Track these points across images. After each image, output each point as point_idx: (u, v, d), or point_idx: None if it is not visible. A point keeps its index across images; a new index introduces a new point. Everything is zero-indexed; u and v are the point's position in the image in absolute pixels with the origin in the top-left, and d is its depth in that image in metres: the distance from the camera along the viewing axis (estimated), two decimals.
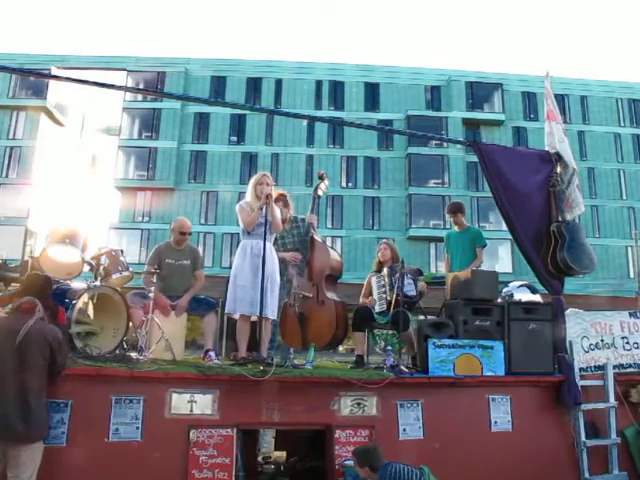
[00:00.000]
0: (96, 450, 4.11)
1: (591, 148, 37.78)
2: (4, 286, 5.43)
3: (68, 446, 4.05)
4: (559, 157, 5.68)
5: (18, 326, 3.76)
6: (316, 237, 5.66)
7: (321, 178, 5.89)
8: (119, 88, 7.36)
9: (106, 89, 5.90)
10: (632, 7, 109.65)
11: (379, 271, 5.93)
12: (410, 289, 5.44)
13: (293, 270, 5.58)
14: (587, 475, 4.89)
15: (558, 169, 5.65)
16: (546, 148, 5.85)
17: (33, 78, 35.61)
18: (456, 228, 6.67)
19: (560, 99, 34.50)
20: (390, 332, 5.56)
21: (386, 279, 5.65)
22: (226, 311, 5.20)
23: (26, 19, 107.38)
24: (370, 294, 5.88)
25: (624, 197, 37.73)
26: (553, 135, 5.80)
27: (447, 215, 6.90)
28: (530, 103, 38.73)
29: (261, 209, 5.05)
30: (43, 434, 3.81)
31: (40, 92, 36.95)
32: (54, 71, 30.69)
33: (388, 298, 5.49)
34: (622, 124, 39.20)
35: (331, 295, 5.50)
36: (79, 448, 4.05)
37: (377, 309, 5.64)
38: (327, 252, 5.66)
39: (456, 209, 6.62)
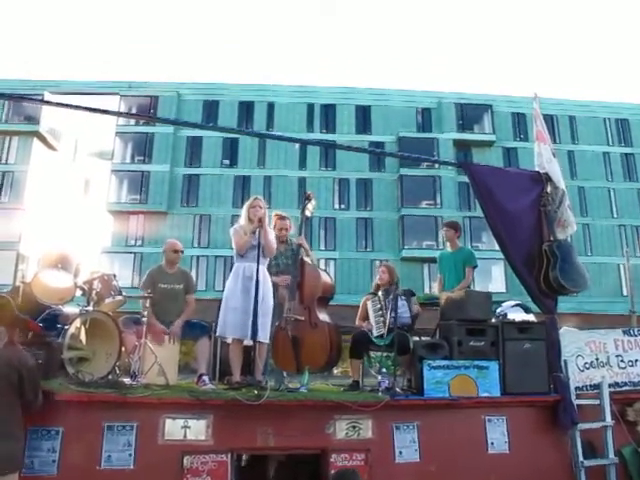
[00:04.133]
0: (88, 479, 4.02)
1: (581, 167, 38.15)
2: None
3: (59, 475, 3.96)
4: (549, 177, 5.73)
5: None
6: (306, 259, 5.65)
7: (308, 199, 5.87)
8: (112, 113, 7.40)
9: (99, 114, 5.92)
10: (618, 29, 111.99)
11: (375, 294, 5.89)
12: (404, 311, 5.42)
13: (284, 293, 5.54)
14: None
15: (549, 189, 5.69)
16: (536, 168, 5.90)
17: (26, 103, 35.70)
18: (448, 247, 6.68)
19: (549, 119, 34.95)
20: (385, 354, 5.52)
21: (382, 302, 5.63)
22: (217, 334, 5.18)
23: (19, 45, 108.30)
24: (366, 317, 5.84)
25: (615, 215, 38.06)
26: (542, 156, 5.86)
27: (444, 229, 6.84)
28: (520, 124, 39.17)
29: (254, 232, 5.06)
30: (16, 467, 3.56)
31: (33, 117, 37.07)
32: (47, 96, 30.85)
33: (385, 321, 5.46)
34: (610, 143, 39.69)
35: (323, 317, 5.45)
36: (70, 477, 3.97)
37: (375, 333, 5.57)
38: (318, 274, 5.63)
39: (454, 225, 6.66)
